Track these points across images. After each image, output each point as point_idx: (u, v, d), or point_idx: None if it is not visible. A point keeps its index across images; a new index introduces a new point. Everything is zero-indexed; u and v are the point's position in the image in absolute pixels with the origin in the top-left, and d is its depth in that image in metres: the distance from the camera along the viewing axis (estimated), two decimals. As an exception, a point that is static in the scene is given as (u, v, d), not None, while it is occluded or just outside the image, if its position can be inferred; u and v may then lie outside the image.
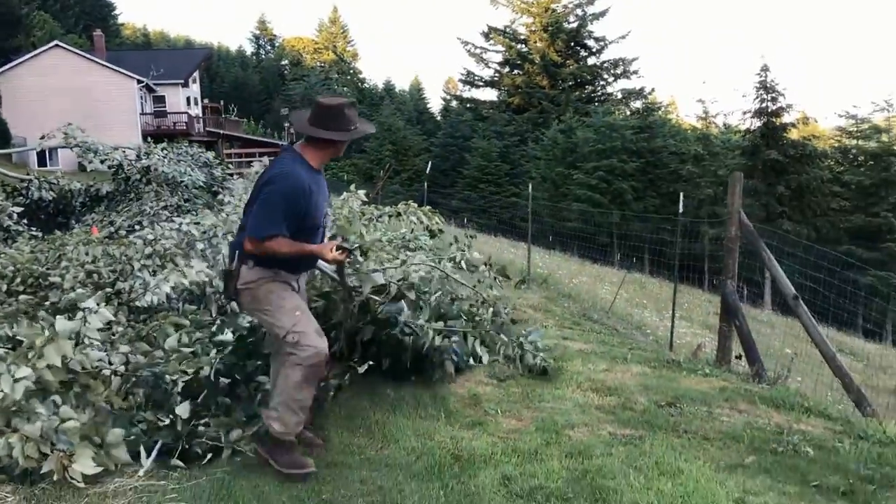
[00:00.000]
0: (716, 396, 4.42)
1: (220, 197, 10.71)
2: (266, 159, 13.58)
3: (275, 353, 3.61)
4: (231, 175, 13.85)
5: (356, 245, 3.81)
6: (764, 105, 28.93)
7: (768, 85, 28.90)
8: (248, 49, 78.01)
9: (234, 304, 4.06)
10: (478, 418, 4.08)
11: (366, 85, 69.62)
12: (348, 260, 3.71)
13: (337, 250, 3.34)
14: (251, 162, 16.42)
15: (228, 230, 5.94)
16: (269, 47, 78.48)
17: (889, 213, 27.11)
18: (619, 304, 9.26)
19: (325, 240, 3.60)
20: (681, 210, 7.83)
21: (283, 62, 74.40)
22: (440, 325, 4.48)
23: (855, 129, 30.70)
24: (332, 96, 3.84)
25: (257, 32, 78.37)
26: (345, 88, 58.12)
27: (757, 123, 29.31)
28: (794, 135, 29.81)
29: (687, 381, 4.72)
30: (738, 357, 5.46)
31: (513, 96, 48.21)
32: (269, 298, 3.38)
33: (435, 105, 64.86)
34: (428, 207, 8.10)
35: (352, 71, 73.07)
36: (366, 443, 3.77)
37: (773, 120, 28.86)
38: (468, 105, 52.20)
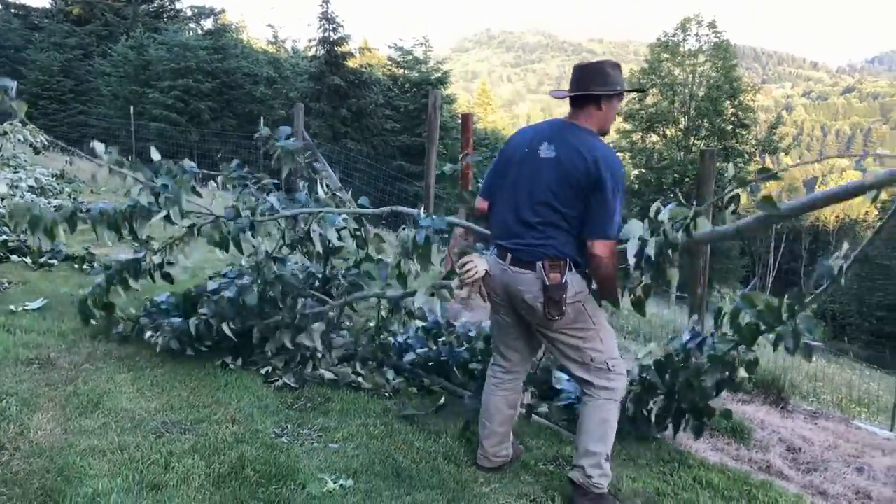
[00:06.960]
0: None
1: None
2: None
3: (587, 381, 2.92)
4: None
5: None
6: (326, 34, 32.04)
7: (329, 16, 32.03)
8: None
9: None
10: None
11: None
12: None
13: None
14: None
15: None
16: None
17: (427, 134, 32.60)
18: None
19: None
20: (258, 133, 9.73)
21: None
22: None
23: (402, 59, 35.77)
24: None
25: None
26: None
27: (322, 51, 32.39)
28: (353, 63, 33.62)
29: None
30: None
31: (71, 6, 44.31)
32: (596, 314, 2.86)
33: (-30, 10, 55.93)
34: (32, 126, 8.79)
35: None
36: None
37: (336, 48, 32.19)
38: (15, 11, 46.49)
